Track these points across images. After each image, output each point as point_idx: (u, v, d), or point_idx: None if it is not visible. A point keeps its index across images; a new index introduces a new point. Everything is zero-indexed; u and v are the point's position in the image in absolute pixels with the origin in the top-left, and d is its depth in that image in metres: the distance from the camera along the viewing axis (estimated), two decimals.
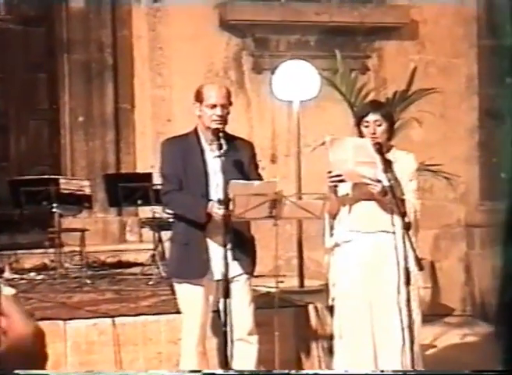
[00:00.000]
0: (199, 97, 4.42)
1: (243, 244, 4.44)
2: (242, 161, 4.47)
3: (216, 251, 4.38)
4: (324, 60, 7.11)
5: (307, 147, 6.76)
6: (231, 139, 4.44)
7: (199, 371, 4.34)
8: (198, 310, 4.46)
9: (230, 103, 4.44)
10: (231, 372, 4.12)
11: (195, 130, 4.49)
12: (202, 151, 4.45)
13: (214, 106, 4.35)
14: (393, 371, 4.18)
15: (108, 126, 7.85)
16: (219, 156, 4.35)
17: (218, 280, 4.41)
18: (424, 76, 7.38)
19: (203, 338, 4.53)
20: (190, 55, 7.64)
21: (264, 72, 7.67)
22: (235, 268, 4.37)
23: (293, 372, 4.08)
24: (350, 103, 6.17)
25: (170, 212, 5.02)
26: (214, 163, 4.42)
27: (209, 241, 4.41)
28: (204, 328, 4.52)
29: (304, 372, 4.50)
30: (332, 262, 4.52)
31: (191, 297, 4.47)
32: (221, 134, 4.34)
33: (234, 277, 4.39)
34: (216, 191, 4.38)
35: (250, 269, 4.51)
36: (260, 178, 4.56)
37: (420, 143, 7.03)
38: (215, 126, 4.37)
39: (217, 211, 4.25)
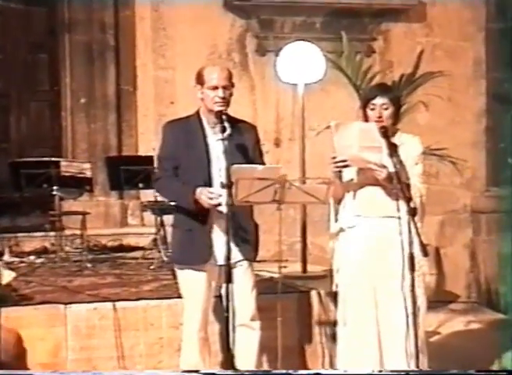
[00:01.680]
0: (200, 79, 4.40)
1: (245, 230, 4.43)
2: (246, 145, 4.45)
3: (219, 237, 4.38)
4: (329, 42, 7.08)
5: (311, 131, 6.73)
6: (234, 122, 4.41)
7: (196, 371, 4.35)
8: (200, 295, 4.45)
9: (232, 85, 4.43)
10: (229, 372, 4.13)
11: (197, 113, 4.47)
12: (204, 135, 4.43)
13: (216, 88, 4.34)
14: (396, 371, 4.19)
15: (109, 108, 7.83)
16: (222, 139, 4.34)
17: (220, 266, 4.40)
18: (431, 60, 7.34)
19: (205, 324, 4.53)
20: (194, 36, 7.60)
21: (268, 54, 7.65)
22: (237, 253, 4.37)
23: (291, 371, 4.11)
24: (355, 86, 6.14)
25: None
26: (216, 147, 4.40)
27: (213, 226, 4.41)
28: (205, 314, 4.52)
29: (304, 372, 4.51)
30: (336, 247, 4.51)
31: (193, 282, 4.47)
32: (224, 117, 4.33)
33: (237, 263, 4.38)
34: (219, 175, 4.37)
35: (252, 254, 4.51)
36: (263, 164, 4.54)
37: (426, 127, 7.01)
38: (217, 108, 4.35)
39: (205, 199, 4.24)
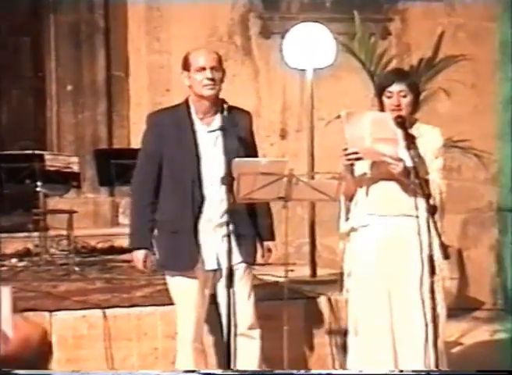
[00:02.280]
0: (186, 64, 4.44)
1: (243, 230, 4.45)
2: (240, 136, 4.45)
3: (210, 239, 4.40)
4: (341, 23, 7.08)
5: (320, 121, 6.74)
6: (227, 110, 4.39)
7: (194, 371, 4.36)
8: (192, 303, 4.49)
9: (222, 69, 4.44)
10: (229, 372, 4.14)
11: (186, 102, 4.49)
12: (193, 126, 4.44)
13: (203, 69, 4.36)
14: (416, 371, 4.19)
15: (99, 96, 7.85)
16: (215, 130, 4.36)
17: (214, 270, 4.42)
18: (453, 42, 7.35)
19: (199, 334, 4.56)
20: (191, 17, 7.61)
21: (273, 36, 7.65)
22: (234, 255, 4.37)
23: (294, 371, 4.11)
24: (369, 72, 6.15)
25: None
26: (207, 139, 4.42)
27: (202, 227, 4.42)
28: (199, 323, 4.54)
29: (308, 372, 4.52)
30: (347, 248, 4.52)
31: (184, 289, 4.50)
32: (225, 105, 4.33)
33: (232, 266, 4.38)
34: (209, 169, 4.39)
35: (251, 257, 4.52)
36: (256, 156, 4.54)
37: (447, 117, 7.01)
38: (206, 92, 4.37)
39: (136, 262, 4.58)
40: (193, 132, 4.44)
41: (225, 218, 4.31)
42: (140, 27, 7.71)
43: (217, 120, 4.41)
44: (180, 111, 4.48)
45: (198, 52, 4.47)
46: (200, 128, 4.45)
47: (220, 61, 4.45)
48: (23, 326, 1.33)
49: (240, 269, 4.45)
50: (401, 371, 4.28)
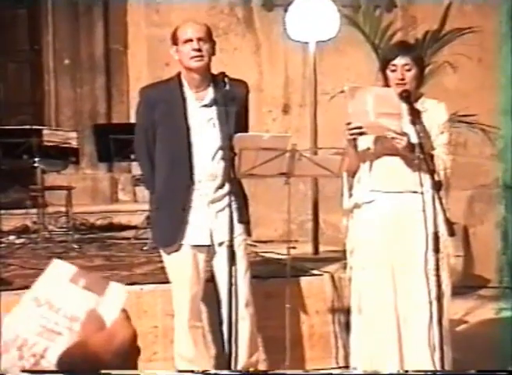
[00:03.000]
0: (175, 38, 4.44)
1: (237, 203, 4.44)
2: (237, 109, 4.40)
3: (202, 214, 4.41)
4: None
5: (324, 95, 6.71)
6: (222, 82, 4.36)
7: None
8: (187, 281, 4.49)
9: (212, 40, 4.42)
10: (230, 372, 4.16)
11: (178, 76, 4.47)
12: (184, 100, 4.43)
13: (190, 41, 4.36)
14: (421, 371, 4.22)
15: (97, 70, 7.83)
16: (207, 105, 4.36)
17: (208, 246, 4.43)
18: (460, 15, 7.30)
19: (196, 311, 4.56)
20: None
21: (275, 8, 7.61)
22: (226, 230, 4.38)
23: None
24: (373, 45, 6.12)
25: None
26: (200, 114, 4.41)
27: (194, 203, 4.42)
28: (195, 301, 4.54)
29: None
30: (350, 225, 4.52)
31: (178, 266, 4.51)
32: (226, 79, 4.32)
33: (224, 242, 4.38)
34: (201, 144, 4.38)
35: (246, 229, 4.53)
36: (247, 127, 4.53)
37: (453, 91, 6.99)
38: (194, 64, 4.36)
39: None
40: (185, 106, 4.43)
41: (220, 193, 4.32)
42: None
43: (209, 94, 4.41)
44: (172, 85, 4.47)
45: (185, 25, 4.47)
46: (193, 103, 4.44)
47: (209, 32, 4.43)
48: (122, 323, 1.34)
49: (237, 242, 4.46)
50: (406, 371, 4.31)
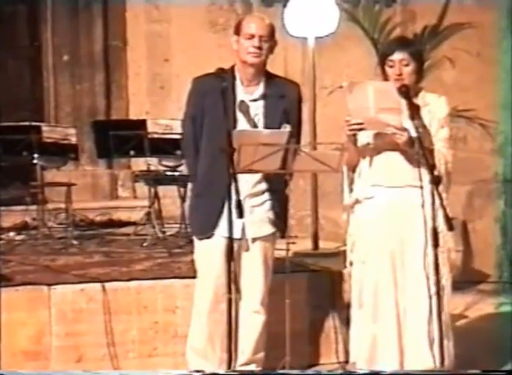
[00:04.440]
0: (238, 28, 4.47)
1: (276, 201, 4.48)
2: (285, 107, 4.46)
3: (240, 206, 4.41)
4: None
5: (323, 90, 6.71)
6: (273, 79, 4.45)
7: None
8: (214, 271, 4.47)
9: (274, 40, 4.45)
10: (232, 372, 4.16)
11: (231, 69, 4.50)
12: (235, 92, 4.46)
13: (252, 36, 4.39)
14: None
15: (97, 66, 7.83)
16: (256, 100, 4.39)
17: (238, 239, 4.42)
18: (459, 9, 7.29)
19: (217, 304, 4.53)
20: None
21: (275, 4, 7.60)
22: (263, 227, 4.42)
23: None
24: (373, 40, 6.13)
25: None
26: (249, 108, 4.43)
27: (233, 194, 4.41)
28: (218, 292, 4.48)
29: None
30: (351, 220, 4.53)
31: (207, 256, 4.50)
32: (264, 75, 4.36)
33: (258, 238, 4.43)
34: None
35: (282, 228, 4.54)
36: (300, 131, 4.55)
37: (452, 86, 6.98)
38: (251, 59, 4.40)
39: None
40: (234, 99, 4.45)
41: (258, 188, 4.36)
42: None
43: (260, 89, 4.45)
44: (225, 77, 4.44)
45: (252, 19, 4.51)
46: (242, 96, 4.47)
47: (272, 31, 4.46)
48: None
49: (265, 241, 4.48)
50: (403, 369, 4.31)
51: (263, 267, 4.51)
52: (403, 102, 4.22)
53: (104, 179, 7.86)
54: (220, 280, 4.46)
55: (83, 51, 7.79)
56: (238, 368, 4.54)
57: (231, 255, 4.17)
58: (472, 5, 7.75)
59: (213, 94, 4.41)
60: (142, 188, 7.21)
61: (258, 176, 4.41)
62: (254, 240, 4.44)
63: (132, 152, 6.70)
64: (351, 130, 4.30)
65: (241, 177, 4.38)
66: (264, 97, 4.41)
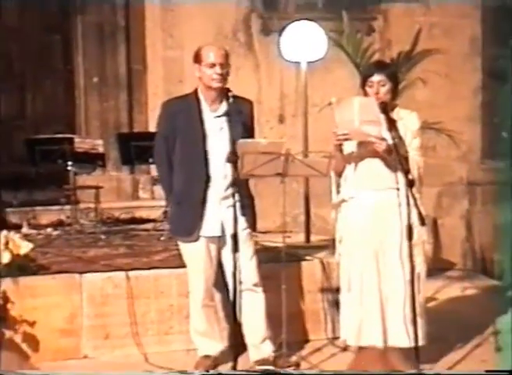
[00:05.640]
0: (198, 58, 4.41)
1: (245, 201, 4.44)
2: (243, 120, 4.43)
3: (215, 209, 4.39)
4: (331, 22, 6.99)
5: (314, 107, 6.69)
6: (232, 98, 4.39)
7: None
8: (201, 265, 4.49)
9: (228, 64, 4.41)
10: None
11: (195, 92, 4.47)
12: (200, 112, 4.42)
13: (213, 65, 4.34)
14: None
15: (121, 86, 7.81)
16: (221, 116, 4.34)
17: (219, 237, 4.41)
18: (429, 38, 7.26)
19: (209, 292, 4.56)
20: (201, 16, 7.55)
21: (272, 33, 7.58)
22: (239, 223, 4.34)
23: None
24: (356, 64, 6.09)
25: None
26: (214, 123, 4.40)
27: (209, 199, 4.41)
28: (208, 283, 4.54)
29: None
30: (339, 218, 4.51)
31: (193, 253, 4.51)
32: (230, 94, 4.32)
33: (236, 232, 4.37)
34: (215, 150, 4.37)
35: (252, 224, 4.52)
36: (253, 137, 4.52)
37: (424, 103, 6.95)
38: (215, 85, 4.36)
39: None
40: (201, 117, 4.42)
41: (229, 191, 4.30)
42: (156, 26, 7.64)
43: (223, 107, 4.41)
44: (190, 99, 4.46)
45: (209, 48, 4.42)
46: (208, 114, 4.43)
47: (227, 57, 4.41)
48: None
49: (244, 234, 4.44)
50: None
51: (248, 254, 4.47)
52: (382, 116, 4.21)
53: (127, 182, 7.83)
54: (207, 272, 4.46)
55: (110, 73, 7.77)
56: (257, 344, 4.52)
57: (235, 249, 4.16)
58: (440, 34, 7.75)
59: (183, 115, 4.40)
60: (159, 190, 7.16)
61: (228, 181, 4.34)
62: (232, 235, 4.30)
63: (151, 160, 6.65)
64: (338, 140, 4.29)
65: (216, 182, 4.35)
66: (227, 113, 4.35)
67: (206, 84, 4.38)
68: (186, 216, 4.44)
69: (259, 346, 4.56)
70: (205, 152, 4.39)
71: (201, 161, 4.38)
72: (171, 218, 4.67)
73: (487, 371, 2.45)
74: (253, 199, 4.56)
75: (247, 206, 4.46)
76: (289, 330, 4.61)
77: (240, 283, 4.24)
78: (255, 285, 4.51)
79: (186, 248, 4.54)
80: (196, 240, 4.44)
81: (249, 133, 4.47)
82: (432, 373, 4.34)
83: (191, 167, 4.40)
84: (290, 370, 4.48)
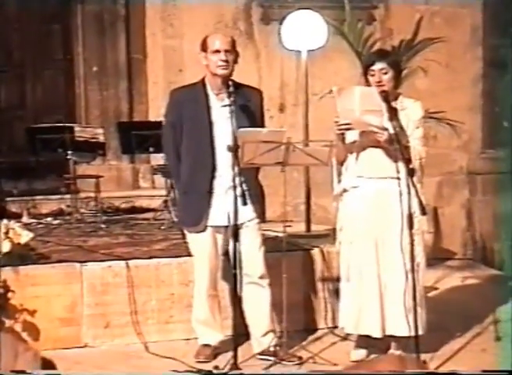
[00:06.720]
0: (204, 45, 4.41)
1: (253, 191, 4.42)
2: (251, 109, 4.42)
3: (221, 199, 4.37)
4: (332, 11, 6.98)
5: (314, 96, 6.67)
6: (240, 87, 4.39)
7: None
8: (206, 255, 4.48)
9: (235, 51, 4.39)
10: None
11: (202, 80, 4.47)
12: (208, 101, 4.41)
13: (218, 52, 4.34)
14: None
15: (121, 76, 7.78)
16: (227, 105, 4.32)
17: (226, 226, 4.40)
18: (430, 27, 7.23)
19: (214, 282, 4.55)
20: (201, 6, 7.51)
21: (272, 22, 7.55)
22: (245, 213, 4.35)
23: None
24: (357, 53, 6.07)
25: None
26: (220, 112, 4.38)
27: (215, 189, 4.39)
28: (213, 272, 4.53)
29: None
30: (339, 207, 4.50)
31: (199, 243, 4.50)
32: (230, 82, 4.30)
33: (244, 223, 4.38)
34: (222, 139, 4.35)
35: (261, 213, 4.49)
36: (263, 126, 4.51)
37: (425, 92, 6.92)
38: (220, 71, 4.34)
39: None
40: (208, 106, 4.42)
41: (237, 180, 4.29)
42: (156, 15, 7.61)
43: (230, 95, 4.37)
44: (197, 88, 4.45)
45: (215, 36, 4.45)
46: (215, 103, 4.43)
47: (234, 44, 4.41)
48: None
49: (250, 225, 4.43)
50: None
51: (256, 245, 4.45)
52: (384, 105, 4.19)
53: (128, 172, 7.81)
54: (213, 262, 4.45)
55: (109, 62, 7.74)
56: (260, 337, 4.51)
57: (236, 238, 4.15)
58: (442, 22, 7.71)
59: (190, 103, 4.39)
60: (160, 179, 7.17)
61: (234, 170, 4.28)
62: (240, 225, 4.31)
63: (151, 149, 6.65)
64: (340, 129, 4.27)
65: (221, 173, 4.34)
66: (233, 102, 4.32)
67: (212, 72, 4.38)
68: (193, 206, 4.42)
69: (262, 339, 4.55)
70: (212, 141, 4.38)
71: (208, 150, 4.37)
72: (178, 207, 4.66)
73: (487, 371, 2.44)
74: (262, 189, 4.54)
75: (255, 196, 4.44)
76: (290, 318, 4.61)
77: (246, 274, 4.22)
78: (261, 277, 4.50)
79: (193, 238, 4.53)
80: (203, 230, 4.42)
81: (257, 122, 4.45)
82: (432, 373, 4.33)
83: (198, 156, 4.39)
84: (295, 371, 4.43)
